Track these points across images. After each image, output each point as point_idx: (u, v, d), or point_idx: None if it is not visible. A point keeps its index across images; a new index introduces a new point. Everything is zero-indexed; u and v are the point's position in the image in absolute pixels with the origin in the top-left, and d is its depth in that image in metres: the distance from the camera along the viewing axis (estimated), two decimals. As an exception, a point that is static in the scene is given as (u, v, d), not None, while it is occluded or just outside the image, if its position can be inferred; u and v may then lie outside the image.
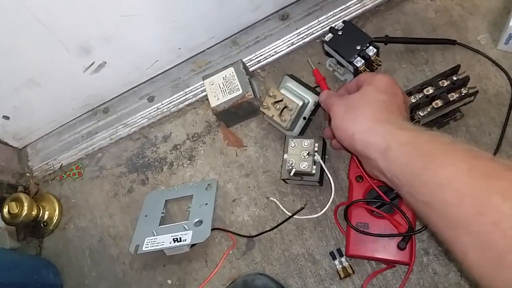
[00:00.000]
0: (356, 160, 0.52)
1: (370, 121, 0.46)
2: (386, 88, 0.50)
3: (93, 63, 0.73)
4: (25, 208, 0.75)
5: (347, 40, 0.62)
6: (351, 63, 0.61)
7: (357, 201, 0.58)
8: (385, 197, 0.55)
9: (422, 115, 0.57)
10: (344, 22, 0.64)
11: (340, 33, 0.63)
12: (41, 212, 0.79)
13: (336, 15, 0.72)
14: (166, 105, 0.79)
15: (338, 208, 0.62)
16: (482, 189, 0.33)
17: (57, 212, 0.80)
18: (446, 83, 0.57)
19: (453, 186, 0.35)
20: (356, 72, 0.62)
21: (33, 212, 0.77)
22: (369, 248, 0.56)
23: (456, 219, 0.34)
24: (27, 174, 0.86)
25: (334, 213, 0.62)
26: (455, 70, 0.58)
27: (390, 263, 0.58)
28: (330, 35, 0.64)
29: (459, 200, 0.34)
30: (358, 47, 0.61)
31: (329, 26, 0.65)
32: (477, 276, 0.33)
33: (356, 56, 0.61)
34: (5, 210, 0.76)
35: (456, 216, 0.34)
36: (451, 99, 0.56)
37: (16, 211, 0.75)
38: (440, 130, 0.62)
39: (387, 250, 0.55)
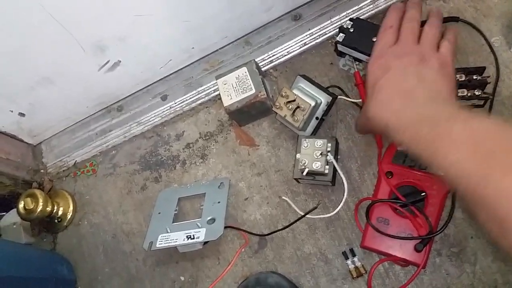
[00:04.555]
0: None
1: (402, 116, 0.47)
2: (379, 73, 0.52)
3: (107, 62, 0.74)
4: (40, 204, 0.77)
5: (361, 35, 0.63)
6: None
7: (380, 201, 0.59)
8: (403, 198, 0.57)
9: None
10: (351, 19, 0.65)
11: (352, 30, 0.64)
12: (55, 208, 0.80)
13: (349, 15, 0.72)
14: (179, 104, 0.80)
15: (360, 203, 0.63)
16: None
17: (71, 208, 0.81)
18: (463, 77, 0.57)
19: None
20: None
21: (47, 208, 0.78)
22: (385, 244, 0.57)
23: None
24: (42, 171, 0.87)
25: (355, 207, 0.63)
26: (479, 70, 0.58)
27: (403, 262, 0.58)
28: (341, 35, 0.65)
29: None
30: (374, 39, 0.61)
31: (338, 27, 0.66)
32: None
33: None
34: (21, 205, 0.77)
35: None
36: (459, 94, 0.56)
37: (32, 207, 0.76)
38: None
39: (403, 249, 0.56)
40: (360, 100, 0.67)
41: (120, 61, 0.75)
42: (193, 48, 0.78)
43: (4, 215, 0.83)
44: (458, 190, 0.40)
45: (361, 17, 0.71)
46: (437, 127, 0.42)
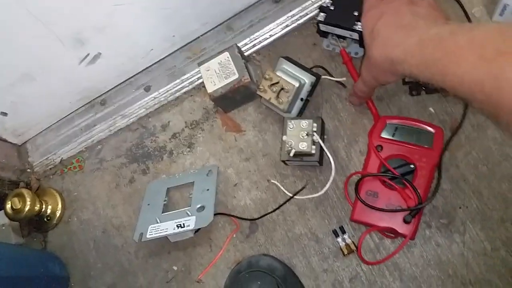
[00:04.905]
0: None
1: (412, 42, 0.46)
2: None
3: (88, 55, 0.73)
4: (28, 203, 0.76)
5: (342, 11, 0.63)
6: (354, 30, 0.61)
7: (370, 175, 0.59)
8: (395, 171, 0.57)
9: None
10: None
11: (332, 8, 0.63)
12: (44, 206, 0.79)
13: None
14: (163, 94, 0.79)
15: (350, 177, 0.62)
16: None
17: (59, 206, 0.80)
18: None
19: None
20: (361, 37, 0.62)
21: (36, 207, 0.77)
22: (374, 216, 0.57)
23: None
24: (28, 170, 0.86)
25: (345, 182, 0.63)
26: None
27: (392, 234, 0.58)
28: (322, 14, 0.64)
29: None
30: (356, 13, 0.61)
31: (318, 6, 0.65)
32: None
33: (356, 22, 0.61)
34: (8, 206, 0.76)
35: None
36: None
37: (19, 207, 0.75)
38: (428, 96, 0.63)
39: (392, 221, 0.56)
40: (344, 78, 0.67)
41: (100, 53, 0.74)
42: (174, 36, 0.77)
43: (-8, 217, 0.82)
44: (475, 103, 0.39)
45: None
46: (442, 43, 0.42)
